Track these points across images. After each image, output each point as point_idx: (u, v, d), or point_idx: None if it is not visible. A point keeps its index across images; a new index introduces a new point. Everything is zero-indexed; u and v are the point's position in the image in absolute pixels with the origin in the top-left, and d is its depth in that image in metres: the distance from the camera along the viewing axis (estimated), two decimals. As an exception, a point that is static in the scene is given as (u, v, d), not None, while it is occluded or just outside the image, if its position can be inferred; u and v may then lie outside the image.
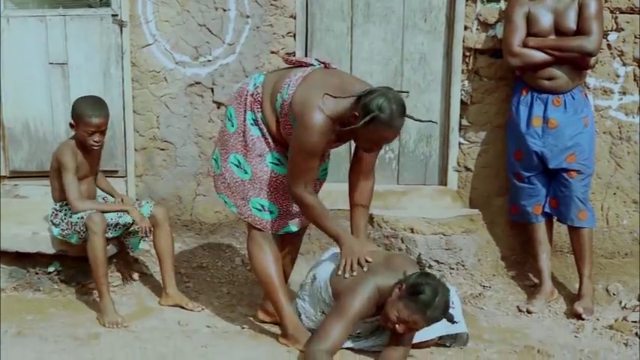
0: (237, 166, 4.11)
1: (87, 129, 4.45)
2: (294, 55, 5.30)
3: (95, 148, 4.54)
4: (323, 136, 3.78)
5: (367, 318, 3.89)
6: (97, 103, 4.52)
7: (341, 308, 3.78)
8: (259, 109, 4.02)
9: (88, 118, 4.43)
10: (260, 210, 4.11)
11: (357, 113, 3.67)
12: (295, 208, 4.12)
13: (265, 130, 4.03)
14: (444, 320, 4.03)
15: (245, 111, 4.05)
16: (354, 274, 3.86)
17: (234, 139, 4.10)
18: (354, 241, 3.99)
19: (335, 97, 3.73)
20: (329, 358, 3.69)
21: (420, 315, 3.67)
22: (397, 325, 3.71)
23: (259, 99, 4.02)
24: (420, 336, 4.02)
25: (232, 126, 4.11)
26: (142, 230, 4.53)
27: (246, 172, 4.09)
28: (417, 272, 3.81)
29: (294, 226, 4.22)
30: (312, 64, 4.04)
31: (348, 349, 4.02)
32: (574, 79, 4.92)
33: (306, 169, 3.85)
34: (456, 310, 4.18)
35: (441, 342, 4.20)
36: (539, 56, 4.87)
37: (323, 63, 4.05)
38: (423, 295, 3.64)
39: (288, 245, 4.33)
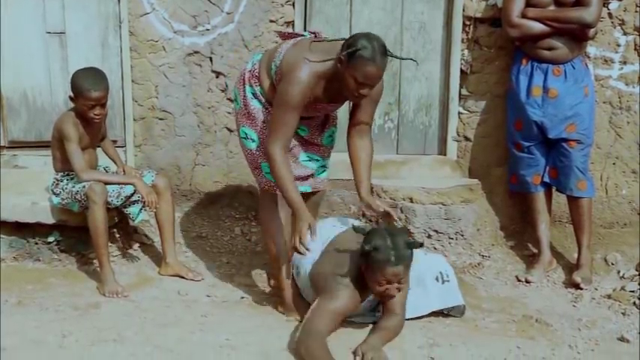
0: (245, 138, 4.21)
1: (87, 103, 4.44)
2: (293, 24, 5.34)
3: (96, 120, 4.54)
4: (304, 86, 3.88)
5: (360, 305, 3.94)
6: (96, 76, 4.50)
7: (324, 303, 3.80)
8: (257, 83, 4.14)
9: (87, 92, 4.42)
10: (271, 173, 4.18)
11: (341, 57, 3.80)
12: (303, 169, 4.26)
13: (264, 101, 4.13)
14: (439, 294, 4.09)
15: (244, 86, 4.17)
16: (303, 251, 3.87)
17: (240, 114, 4.22)
18: (306, 216, 3.92)
19: (320, 41, 3.95)
20: (320, 342, 3.68)
21: (390, 265, 3.66)
22: (387, 290, 3.73)
23: (256, 74, 4.14)
24: (414, 311, 4.07)
25: (237, 104, 4.24)
26: (149, 204, 4.53)
27: (253, 141, 4.19)
28: (361, 237, 3.83)
29: (306, 187, 4.31)
30: (303, 35, 4.19)
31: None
32: (574, 49, 4.90)
33: (282, 123, 3.92)
34: (451, 282, 4.20)
35: (439, 310, 4.22)
36: (538, 27, 4.85)
37: (313, 33, 4.18)
38: (376, 252, 3.66)
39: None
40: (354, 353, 3.72)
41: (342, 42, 3.88)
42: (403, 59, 4.17)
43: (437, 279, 4.19)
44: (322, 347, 3.63)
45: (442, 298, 4.19)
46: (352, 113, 4.24)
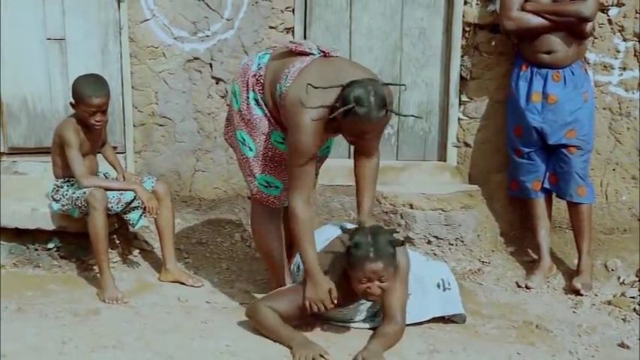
0: (242, 143, 4.14)
1: (88, 109, 4.44)
2: (293, 31, 5.34)
3: (97, 127, 4.53)
4: (314, 135, 3.76)
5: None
6: (97, 83, 4.49)
7: (297, 287, 3.94)
8: (261, 91, 4.03)
9: (88, 98, 4.41)
10: (266, 187, 4.14)
11: (337, 105, 3.65)
12: None
13: (267, 111, 4.03)
14: (439, 301, 4.13)
15: (248, 90, 4.06)
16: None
17: (239, 116, 4.11)
18: (322, 283, 3.82)
19: (316, 88, 3.69)
20: (273, 314, 3.84)
21: (369, 262, 3.68)
22: (369, 288, 3.75)
23: (262, 80, 4.02)
24: (414, 317, 4.07)
25: (237, 103, 4.13)
26: (150, 210, 4.53)
27: (250, 150, 4.11)
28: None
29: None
30: (312, 54, 3.96)
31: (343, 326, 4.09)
32: (573, 52, 4.90)
33: (301, 173, 3.80)
34: (452, 290, 4.20)
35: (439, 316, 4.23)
36: (536, 21, 4.85)
37: (323, 52, 3.98)
38: (356, 249, 3.70)
39: None
40: None
41: (340, 88, 3.69)
42: (403, 116, 4.08)
43: (438, 286, 4.20)
44: (274, 318, 3.83)
45: (442, 306, 4.19)
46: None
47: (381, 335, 3.86)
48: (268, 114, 4.04)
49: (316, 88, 3.69)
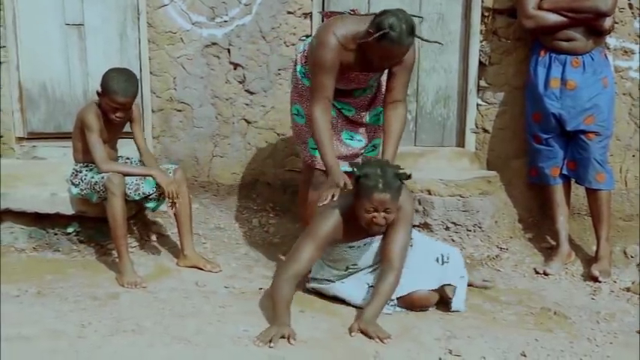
0: (296, 114, 4.53)
1: (112, 104, 4.44)
2: (311, 16, 5.37)
3: (116, 121, 4.54)
4: (331, 48, 4.09)
5: (340, 242, 4.07)
6: (127, 81, 4.46)
7: (309, 230, 4.04)
8: (306, 63, 4.41)
9: (114, 94, 4.41)
10: (315, 149, 4.35)
11: (371, 30, 3.99)
12: (345, 148, 4.47)
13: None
14: (435, 274, 4.15)
15: (296, 66, 4.50)
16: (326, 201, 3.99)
17: (293, 92, 4.57)
18: (338, 173, 4.10)
19: (353, 14, 4.23)
20: (294, 282, 3.91)
21: (377, 191, 3.84)
22: (374, 218, 3.90)
23: (306, 54, 4.42)
24: (407, 288, 4.09)
25: (292, 81, 4.61)
26: (170, 195, 4.54)
27: (302, 117, 4.45)
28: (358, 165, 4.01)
29: (345, 166, 4.41)
30: (342, 13, 4.41)
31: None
32: (592, 40, 4.86)
33: (319, 85, 4.16)
34: (450, 263, 4.21)
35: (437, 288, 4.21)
36: (554, 18, 4.82)
37: (352, 10, 4.40)
38: (365, 180, 3.85)
39: None
40: (350, 330, 3.77)
41: (372, 16, 4.06)
42: (429, 42, 4.32)
43: (437, 260, 4.21)
44: (281, 295, 3.85)
45: (438, 279, 4.18)
46: (387, 82, 4.36)
47: (376, 296, 3.92)
48: None
49: (353, 14, 4.25)
